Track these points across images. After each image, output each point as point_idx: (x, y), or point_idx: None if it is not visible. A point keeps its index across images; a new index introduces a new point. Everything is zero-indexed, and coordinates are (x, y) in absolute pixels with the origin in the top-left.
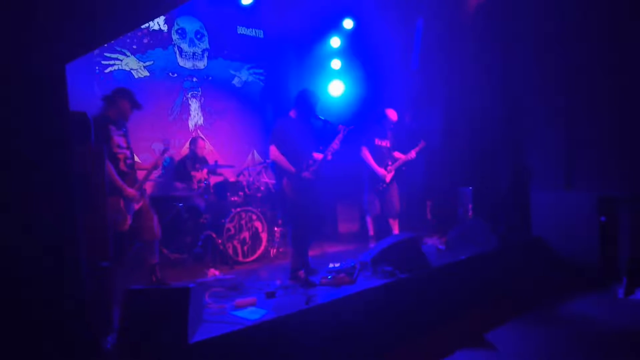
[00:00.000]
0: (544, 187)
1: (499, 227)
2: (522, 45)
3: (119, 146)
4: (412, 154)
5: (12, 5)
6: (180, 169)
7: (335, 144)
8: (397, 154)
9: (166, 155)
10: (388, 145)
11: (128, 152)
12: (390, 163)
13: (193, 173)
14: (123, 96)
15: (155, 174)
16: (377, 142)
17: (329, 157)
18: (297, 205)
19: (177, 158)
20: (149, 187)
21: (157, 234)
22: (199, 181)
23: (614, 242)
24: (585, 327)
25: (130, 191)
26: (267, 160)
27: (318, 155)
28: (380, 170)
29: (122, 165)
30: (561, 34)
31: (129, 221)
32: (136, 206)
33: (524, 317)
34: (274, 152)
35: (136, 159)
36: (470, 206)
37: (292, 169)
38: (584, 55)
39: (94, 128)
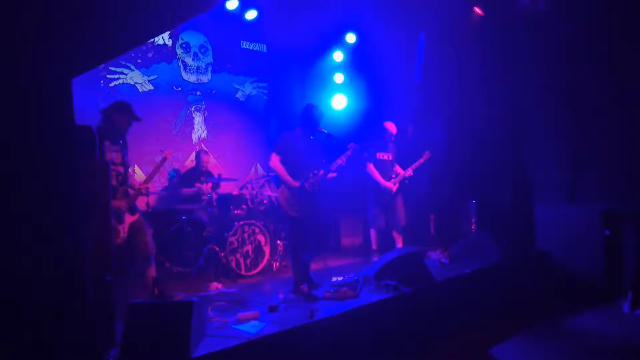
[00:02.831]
0: (548, 201)
1: (502, 240)
2: (524, 59)
3: (113, 162)
4: (409, 172)
5: (19, 21)
6: (187, 180)
7: (342, 160)
8: (397, 169)
9: (170, 169)
10: (390, 158)
11: (122, 169)
12: (394, 176)
13: (198, 185)
14: (117, 110)
15: (160, 186)
16: (379, 155)
17: (334, 173)
18: (296, 218)
19: (182, 170)
20: (152, 200)
21: (150, 249)
22: (203, 194)
23: (619, 256)
24: (590, 342)
25: (115, 202)
26: (271, 174)
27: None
28: (387, 184)
29: (113, 181)
30: (564, 48)
31: (122, 234)
32: (130, 219)
33: (529, 332)
34: (274, 160)
35: (138, 171)
36: (473, 220)
37: (290, 179)
38: (587, 69)
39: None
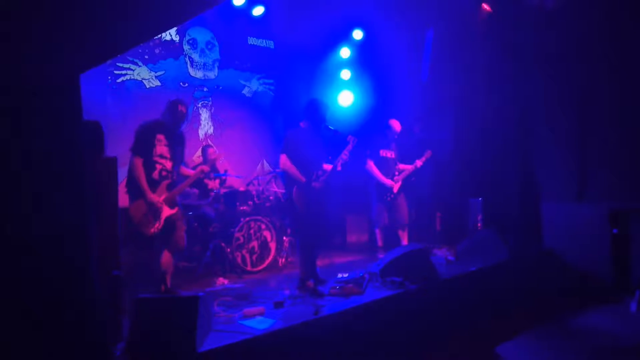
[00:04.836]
0: (555, 199)
1: (509, 238)
2: (532, 56)
3: (162, 156)
4: (418, 163)
5: (26, 17)
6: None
7: (345, 155)
8: (402, 166)
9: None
10: (393, 156)
11: (169, 164)
12: (397, 173)
13: (206, 181)
14: (180, 102)
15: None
16: (382, 153)
17: (339, 168)
18: (305, 215)
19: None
20: None
21: (184, 245)
22: (211, 190)
23: (627, 255)
24: (597, 341)
25: (153, 197)
26: (277, 170)
27: (327, 166)
28: (387, 181)
29: (155, 174)
30: (573, 45)
31: (157, 225)
32: (170, 212)
33: (535, 331)
34: (284, 161)
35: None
36: (480, 217)
37: (302, 178)
38: (596, 66)
39: (140, 136)
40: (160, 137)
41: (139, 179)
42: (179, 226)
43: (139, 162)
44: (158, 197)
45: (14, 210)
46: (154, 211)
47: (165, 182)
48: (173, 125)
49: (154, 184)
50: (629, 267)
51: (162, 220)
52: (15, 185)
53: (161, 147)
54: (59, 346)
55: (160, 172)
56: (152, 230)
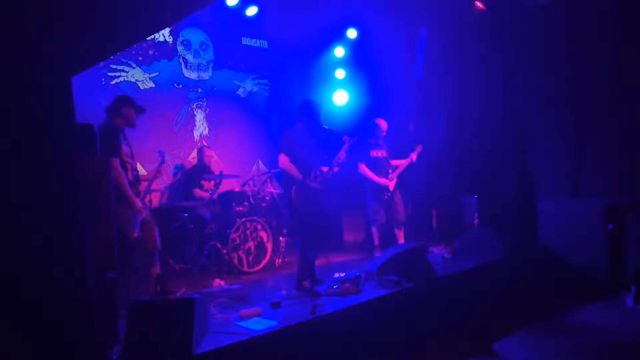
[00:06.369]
0: (551, 195)
1: (505, 235)
2: (526, 53)
3: (127, 155)
4: (413, 157)
5: (18, 20)
6: (194, 178)
7: (341, 155)
8: (396, 162)
9: (173, 165)
10: (384, 154)
11: (134, 163)
12: (390, 171)
13: (202, 182)
14: (127, 104)
15: (164, 184)
16: (373, 154)
17: (336, 168)
18: (305, 216)
19: (186, 166)
20: (156, 197)
21: (158, 245)
22: (206, 190)
23: (622, 251)
24: (593, 337)
25: (138, 202)
26: (273, 170)
27: (324, 168)
28: (383, 181)
29: (130, 175)
30: (567, 41)
31: (137, 230)
32: (144, 214)
33: (532, 327)
34: (283, 160)
35: (140, 168)
36: (476, 215)
37: (301, 177)
38: (591, 63)
39: (106, 138)
40: (121, 137)
41: (121, 183)
42: (152, 227)
43: (116, 163)
44: (139, 201)
45: (6, 211)
46: (135, 216)
47: (138, 184)
48: (129, 124)
49: (131, 187)
50: (624, 262)
51: (140, 224)
52: (6, 187)
53: (125, 147)
54: (54, 350)
55: (132, 173)
56: (136, 234)
